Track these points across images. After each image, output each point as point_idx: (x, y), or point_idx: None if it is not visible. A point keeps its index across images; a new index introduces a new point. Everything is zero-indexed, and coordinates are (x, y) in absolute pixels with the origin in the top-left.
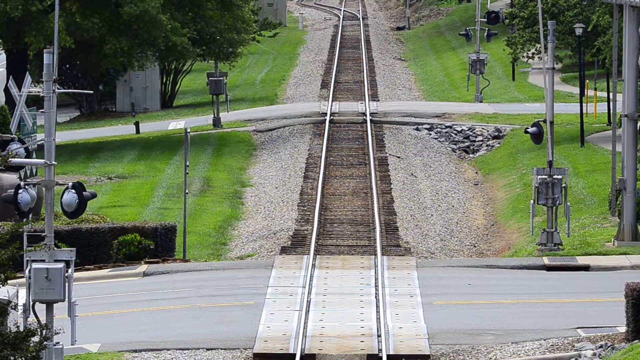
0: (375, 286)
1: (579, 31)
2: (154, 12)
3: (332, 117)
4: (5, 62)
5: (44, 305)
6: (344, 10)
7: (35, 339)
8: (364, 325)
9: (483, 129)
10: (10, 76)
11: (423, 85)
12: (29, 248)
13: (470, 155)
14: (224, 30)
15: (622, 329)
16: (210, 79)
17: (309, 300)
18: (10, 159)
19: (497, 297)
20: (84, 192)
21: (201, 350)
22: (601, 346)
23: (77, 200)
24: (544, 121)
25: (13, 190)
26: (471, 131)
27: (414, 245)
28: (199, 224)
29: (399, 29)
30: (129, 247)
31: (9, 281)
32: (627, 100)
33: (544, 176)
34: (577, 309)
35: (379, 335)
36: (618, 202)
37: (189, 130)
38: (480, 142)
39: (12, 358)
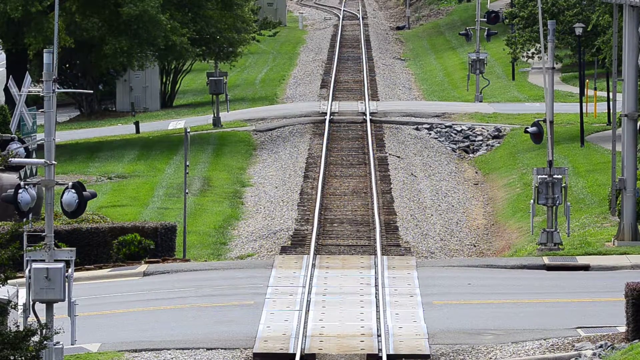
0: (375, 286)
1: (578, 31)
2: (154, 12)
3: (332, 117)
4: (5, 62)
5: (44, 304)
6: (343, 10)
7: (35, 338)
8: (364, 325)
9: (483, 128)
10: (10, 76)
11: (423, 85)
12: (29, 248)
13: (470, 155)
14: (223, 30)
15: (622, 328)
16: (210, 78)
17: (309, 300)
18: (10, 159)
19: (497, 297)
20: (84, 192)
21: (201, 350)
22: (601, 346)
23: (77, 200)
24: (544, 121)
25: (13, 190)
26: (471, 131)
27: (414, 245)
28: (199, 224)
29: (398, 28)
30: (129, 247)
31: (9, 281)
32: (627, 100)
33: (544, 176)
34: (577, 308)
35: (378, 335)
36: (618, 202)
37: (189, 130)
38: (480, 142)
39: (12, 357)
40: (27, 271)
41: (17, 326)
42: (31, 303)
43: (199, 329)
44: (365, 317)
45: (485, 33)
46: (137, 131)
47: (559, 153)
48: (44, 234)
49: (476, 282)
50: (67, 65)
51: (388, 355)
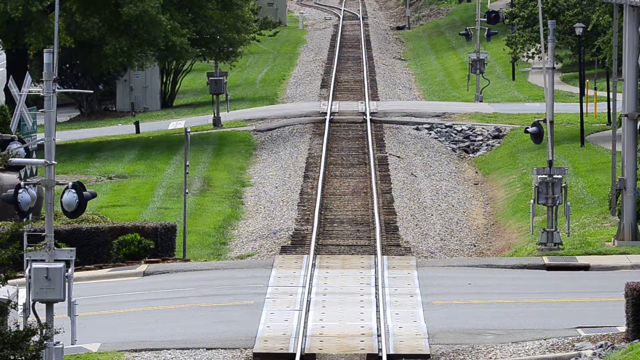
0: (375, 286)
1: (579, 31)
2: (154, 12)
3: (332, 117)
4: (5, 62)
5: (44, 304)
6: (344, 10)
7: (35, 338)
8: (364, 324)
9: (483, 128)
10: (11, 76)
11: (423, 85)
12: (29, 248)
13: (470, 155)
14: (224, 30)
15: (622, 328)
16: (210, 78)
17: (309, 300)
18: (10, 159)
19: (497, 297)
20: (84, 192)
21: (201, 350)
22: (601, 346)
23: (77, 200)
24: (544, 121)
25: (13, 189)
26: (471, 131)
27: (414, 245)
28: (199, 224)
29: (399, 28)
30: (129, 246)
31: (9, 281)
32: (627, 100)
33: (544, 176)
34: (577, 308)
35: (379, 335)
36: (618, 202)
37: (189, 130)
38: (480, 142)
39: (12, 357)
40: (27, 271)
41: (17, 326)
42: (31, 303)
43: (199, 328)
44: (366, 317)
45: (486, 33)
46: (137, 131)
47: (559, 153)
48: (44, 234)
49: (476, 282)
50: (67, 65)
51: (388, 355)
